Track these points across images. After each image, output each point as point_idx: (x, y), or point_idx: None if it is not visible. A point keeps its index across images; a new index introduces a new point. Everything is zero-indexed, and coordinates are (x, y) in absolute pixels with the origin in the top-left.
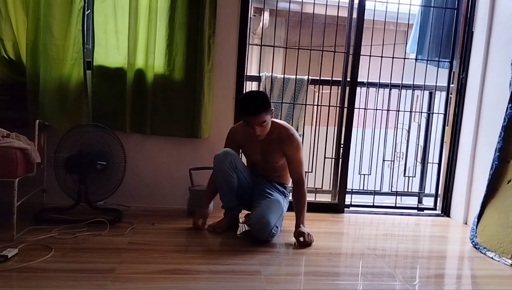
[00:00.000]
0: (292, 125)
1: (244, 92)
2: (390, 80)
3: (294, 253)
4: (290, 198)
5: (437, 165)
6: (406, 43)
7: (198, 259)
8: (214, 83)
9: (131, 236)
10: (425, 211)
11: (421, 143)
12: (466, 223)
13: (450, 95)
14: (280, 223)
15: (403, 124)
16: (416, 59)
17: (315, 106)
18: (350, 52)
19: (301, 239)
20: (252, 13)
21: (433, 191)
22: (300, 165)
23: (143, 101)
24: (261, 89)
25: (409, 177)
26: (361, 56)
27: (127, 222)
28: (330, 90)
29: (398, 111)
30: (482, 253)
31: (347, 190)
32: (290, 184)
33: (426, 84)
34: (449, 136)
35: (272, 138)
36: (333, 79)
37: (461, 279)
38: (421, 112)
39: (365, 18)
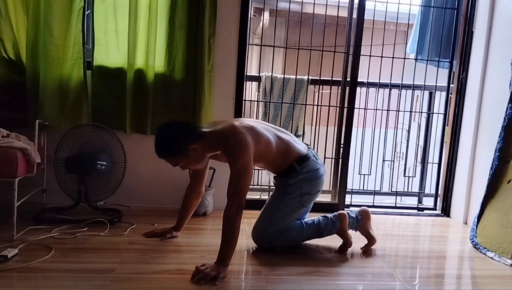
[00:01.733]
0: (292, 125)
1: (243, 92)
2: (390, 80)
3: (294, 253)
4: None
5: (437, 165)
6: (406, 43)
7: (198, 259)
8: (214, 83)
9: (131, 236)
10: (425, 211)
11: (421, 143)
12: (466, 223)
13: (450, 95)
14: (278, 226)
15: (403, 124)
16: (416, 59)
17: (315, 106)
18: (350, 52)
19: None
20: (252, 13)
21: (433, 191)
22: (232, 178)
23: (143, 101)
24: (261, 89)
25: (409, 177)
26: (361, 56)
27: (127, 222)
28: (330, 90)
29: (398, 111)
30: (482, 253)
31: (347, 190)
32: (289, 161)
33: (426, 84)
34: (449, 136)
35: (220, 154)
36: (333, 79)
37: (461, 279)
38: (421, 112)
39: (365, 18)
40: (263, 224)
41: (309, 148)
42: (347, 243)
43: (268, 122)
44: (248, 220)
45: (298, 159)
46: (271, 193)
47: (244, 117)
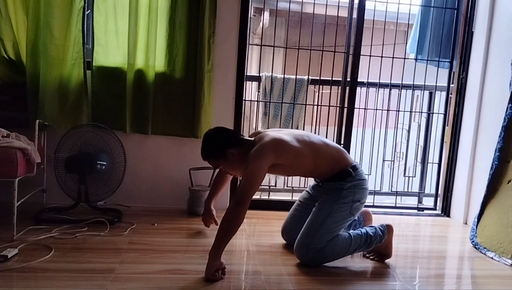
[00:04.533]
0: (292, 125)
1: (243, 92)
2: (390, 80)
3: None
4: (356, 180)
5: (437, 165)
6: (406, 43)
7: (198, 259)
8: (214, 83)
9: (131, 236)
10: (425, 211)
11: (421, 143)
12: (466, 223)
13: (450, 95)
14: (324, 239)
15: (403, 124)
16: (416, 59)
17: (315, 106)
18: (350, 52)
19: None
20: (252, 13)
21: (433, 191)
22: (244, 179)
23: (143, 101)
24: (261, 89)
25: (409, 177)
26: (361, 56)
27: (127, 222)
28: (330, 90)
29: (398, 111)
30: (482, 253)
31: None
32: (343, 166)
33: (426, 84)
34: (449, 136)
35: None
36: (333, 79)
37: (461, 279)
38: (421, 112)
39: (365, 18)
40: (311, 232)
41: (354, 161)
42: (388, 254)
43: (268, 122)
44: (248, 220)
45: (352, 166)
46: (270, 193)
47: (244, 117)
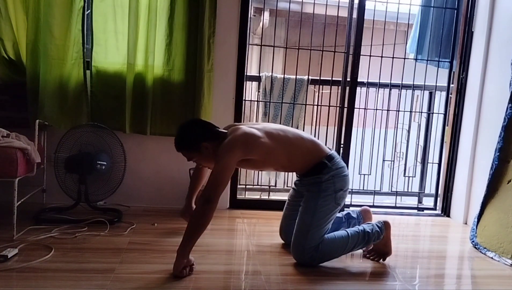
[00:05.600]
0: (292, 125)
1: (243, 92)
2: (390, 80)
3: None
4: (333, 171)
5: (437, 165)
6: (406, 43)
7: (198, 259)
8: (214, 83)
9: (131, 236)
10: (425, 211)
11: (421, 143)
12: (466, 223)
13: (450, 95)
14: (317, 236)
15: (403, 124)
16: (416, 59)
17: (315, 106)
18: (350, 52)
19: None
20: (252, 13)
21: (433, 191)
22: (212, 176)
23: (142, 101)
24: (261, 89)
25: (409, 177)
26: (361, 56)
27: (127, 222)
28: (330, 90)
29: (398, 111)
30: (482, 253)
31: None
32: (319, 158)
33: (426, 84)
34: (449, 136)
35: None
36: (333, 79)
37: (461, 279)
38: (421, 112)
39: (365, 18)
40: (302, 234)
41: (330, 149)
42: (388, 252)
43: (268, 122)
44: (248, 220)
45: (327, 157)
46: (270, 193)
47: (244, 117)
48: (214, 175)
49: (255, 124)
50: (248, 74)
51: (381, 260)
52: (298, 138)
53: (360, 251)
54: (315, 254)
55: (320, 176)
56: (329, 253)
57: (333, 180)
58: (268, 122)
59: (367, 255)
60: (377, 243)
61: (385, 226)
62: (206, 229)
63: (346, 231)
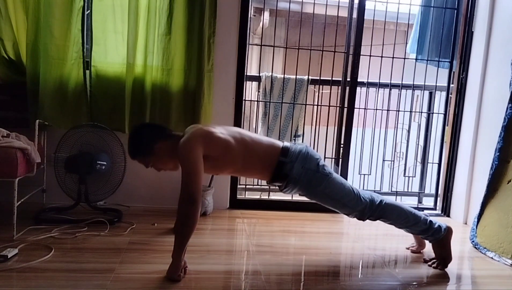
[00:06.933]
0: (292, 125)
1: (243, 92)
2: (390, 80)
3: (294, 253)
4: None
5: (437, 165)
6: (406, 43)
7: (197, 259)
8: (214, 83)
9: (131, 236)
10: (425, 211)
11: (421, 143)
12: (466, 223)
13: (450, 95)
14: (351, 198)
15: (403, 124)
16: (416, 59)
17: (315, 106)
18: (350, 52)
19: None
20: (252, 13)
21: (433, 191)
22: (184, 176)
23: (142, 101)
24: (261, 89)
25: (409, 177)
26: (361, 56)
27: (127, 222)
28: (330, 90)
29: (398, 111)
30: (482, 253)
31: None
32: (276, 158)
33: (426, 84)
34: (449, 136)
35: None
36: (333, 79)
37: (461, 279)
38: (421, 112)
39: (365, 18)
40: (338, 207)
41: (282, 142)
42: (448, 256)
43: (268, 122)
44: (248, 220)
45: (281, 153)
46: (270, 193)
47: (244, 117)
48: (186, 172)
49: (211, 125)
50: (248, 74)
51: (442, 267)
52: (254, 141)
53: (361, 251)
54: (372, 208)
55: (287, 174)
56: (390, 208)
57: (303, 167)
58: (268, 122)
59: (429, 263)
60: (436, 245)
61: (448, 230)
62: (195, 229)
63: (412, 208)
